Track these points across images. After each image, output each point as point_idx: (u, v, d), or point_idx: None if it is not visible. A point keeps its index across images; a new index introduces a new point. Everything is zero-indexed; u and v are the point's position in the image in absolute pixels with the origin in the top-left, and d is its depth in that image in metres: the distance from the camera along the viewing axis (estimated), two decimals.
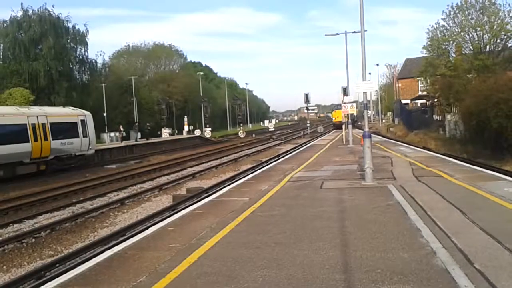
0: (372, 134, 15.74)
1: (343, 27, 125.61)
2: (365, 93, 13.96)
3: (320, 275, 5.33)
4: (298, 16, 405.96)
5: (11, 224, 13.28)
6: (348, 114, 31.03)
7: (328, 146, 29.75)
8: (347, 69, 40.92)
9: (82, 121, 29.30)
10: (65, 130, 27.75)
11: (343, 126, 36.16)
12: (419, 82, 49.75)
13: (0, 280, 8.92)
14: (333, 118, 72.92)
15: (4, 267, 9.71)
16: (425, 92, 45.88)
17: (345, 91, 30.78)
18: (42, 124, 25.71)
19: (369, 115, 20.46)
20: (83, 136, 29.01)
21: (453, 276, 5.07)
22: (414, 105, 56.83)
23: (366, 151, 12.52)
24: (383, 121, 76.24)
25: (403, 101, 58.16)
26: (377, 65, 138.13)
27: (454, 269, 5.26)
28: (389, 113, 78.63)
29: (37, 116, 25.74)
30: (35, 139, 24.91)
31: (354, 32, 29.69)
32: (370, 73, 79.13)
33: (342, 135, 34.42)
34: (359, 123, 59.73)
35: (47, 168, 26.13)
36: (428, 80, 40.01)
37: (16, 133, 24.02)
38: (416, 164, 16.40)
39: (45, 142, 25.56)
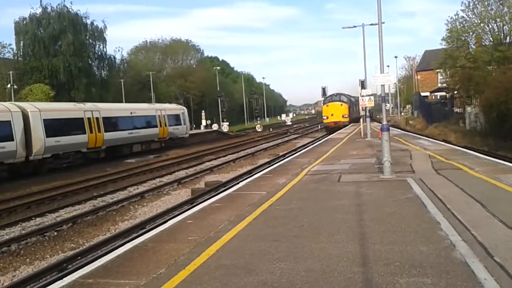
0: (390, 127, 15.57)
1: (361, 19, 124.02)
2: (383, 85, 13.82)
3: (338, 268, 5.34)
4: (315, 9, 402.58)
5: (33, 218, 13.55)
6: (365, 108, 30.80)
7: (345, 139, 29.56)
8: (364, 61, 40.81)
9: (183, 113, 41.56)
10: (174, 120, 39.64)
11: (361, 120, 35.70)
12: (439, 74, 49.09)
13: (23, 272, 9.15)
14: (325, 117, 49.09)
15: (27, 259, 9.94)
16: (444, 84, 45.29)
17: (362, 84, 30.49)
18: (163, 115, 37.57)
19: (387, 108, 20.21)
20: (184, 124, 41.25)
21: (472, 269, 5.03)
22: (433, 97, 56.09)
23: (384, 144, 12.42)
24: (402, 114, 75.23)
25: (422, 94, 57.39)
26: (396, 57, 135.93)
27: (473, 262, 5.22)
28: (408, 106, 77.56)
29: (160, 110, 37.71)
30: (160, 125, 36.84)
31: (372, 24, 29.47)
32: (388, 66, 78.31)
33: (360, 128, 34.18)
34: (377, 116, 58.91)
35: (165, 145, 37.90)
36: (448, 72, 39.50)
37: (150, 122, 36.03)
38: (436, 157, 16.17)
39: (165, 128, 37.55)
